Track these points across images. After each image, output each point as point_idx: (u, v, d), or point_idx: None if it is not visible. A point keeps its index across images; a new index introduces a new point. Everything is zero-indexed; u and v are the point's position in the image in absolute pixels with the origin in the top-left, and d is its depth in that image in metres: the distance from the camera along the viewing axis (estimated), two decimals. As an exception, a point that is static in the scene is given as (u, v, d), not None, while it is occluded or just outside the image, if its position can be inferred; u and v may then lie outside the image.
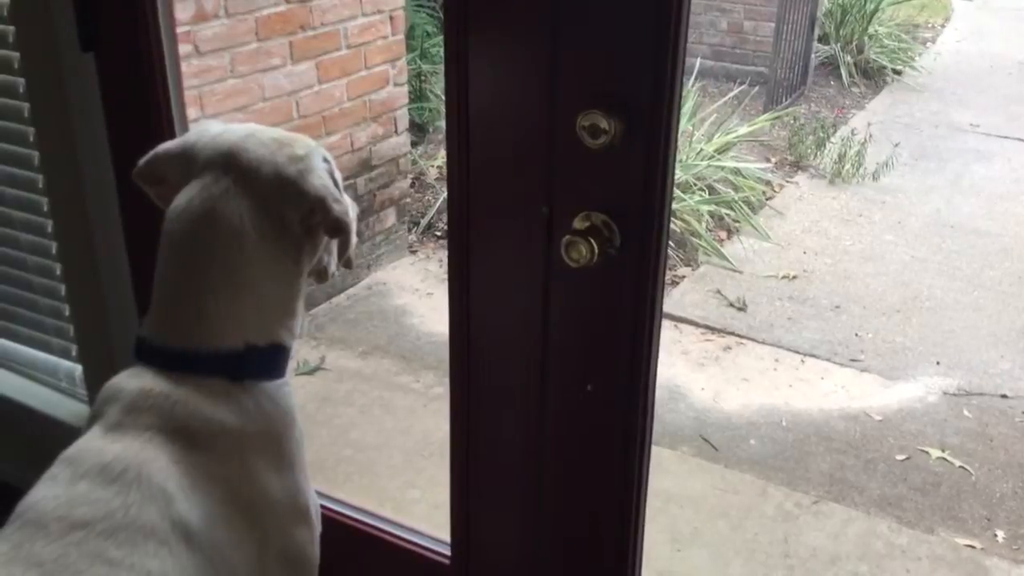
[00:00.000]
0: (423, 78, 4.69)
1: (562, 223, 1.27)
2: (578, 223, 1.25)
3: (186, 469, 1.05)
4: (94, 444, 1.04)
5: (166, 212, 1.15)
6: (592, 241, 1.23)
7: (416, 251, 3.84)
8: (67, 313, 1.95)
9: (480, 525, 1.57)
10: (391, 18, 3.47)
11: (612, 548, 1.44)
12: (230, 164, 1.13)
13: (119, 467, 1.01)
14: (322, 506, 1.71)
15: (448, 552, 1.62)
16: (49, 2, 1.60)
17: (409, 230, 3.89)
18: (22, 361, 2.10)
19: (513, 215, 1.32)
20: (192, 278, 1.11)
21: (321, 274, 1.26)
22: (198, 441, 1.07)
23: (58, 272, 1.92)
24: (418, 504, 1.67)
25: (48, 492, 1.00)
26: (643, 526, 1.43)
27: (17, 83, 1.76)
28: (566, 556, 1.50)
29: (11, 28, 1.71)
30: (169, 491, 1.02)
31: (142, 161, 1.22)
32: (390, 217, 3.72)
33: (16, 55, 1.73)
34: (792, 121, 5.11)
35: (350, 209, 1.19)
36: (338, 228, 1.16)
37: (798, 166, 4.82)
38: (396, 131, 3.67)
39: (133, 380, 1.10)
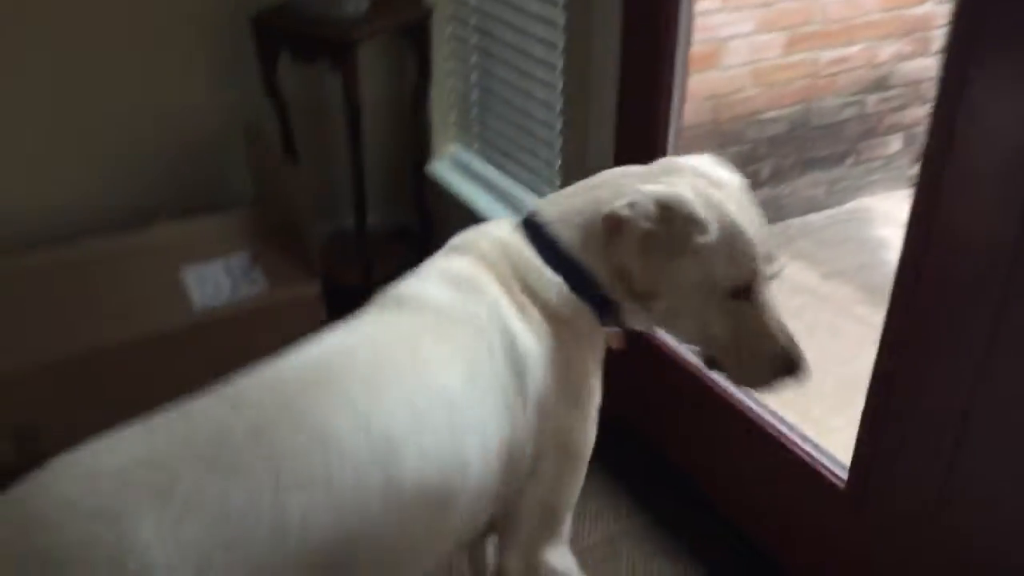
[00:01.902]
0: None
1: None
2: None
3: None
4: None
5: None
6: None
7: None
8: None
9: (882, 464, 1.48)
10: (949, -76, 3.14)
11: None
12: None
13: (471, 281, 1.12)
14: (748, 408, 1.74)
15: (845, 477, 1.56)
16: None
17: (914, 161, 3.60)
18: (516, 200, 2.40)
19: (1010, 132, 1.17)
20: None
21: None
22: None
23: (558, 127, 2.13)
24: (837, 433, 1.63)
25: (427, 287, 1.12)
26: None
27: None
28: (971, 527, 1.36)
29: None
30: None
31: None
32: (895, 143, 3.47)
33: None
34: None
35: None
36: None
37: None
38: (926, 52, 3.37)
39: None
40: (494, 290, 1.10)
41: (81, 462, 0.89)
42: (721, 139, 3.13)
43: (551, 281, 1.13)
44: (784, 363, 1.15)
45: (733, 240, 1.10)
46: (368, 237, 2.48)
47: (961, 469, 1.36)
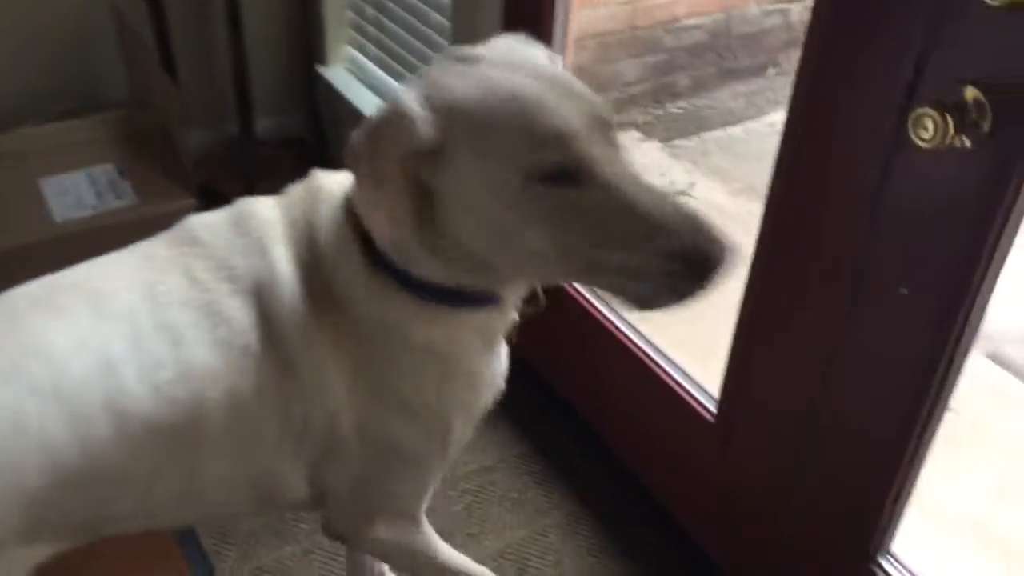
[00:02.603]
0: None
1: (925, 91, 1.05)
2: (944, 95, 1.02)
3: None
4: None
5: None
6: (953, 119, 1.00)
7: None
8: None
9: (751, 400, 1.46)
10: None
11: (882, 464, 1.27)
12: None
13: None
14: (624, 335, 1.69)
15: (714, 410, 1.54)
16: None
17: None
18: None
19: (874, 72, 1.12)
20: None
21: None
22: None
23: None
24: (720, 354, 1.60)
25: (206, 218, 1.06)
26: (925, 451, 1.24)
27: None
28: (831, 459, 1.35)
29: None
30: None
31: None
32: (817, 55, 3.40)
33: None
34: None
35: None
36: None
37: None
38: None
39: None
40: (276, 253, 0.97)
41: None
42: (638, 47, 3.03)
43: (337, 253, 0.96)
44: (681, 249, 0.80)
45: (492, 117, 0.83)
46: (257, 147, 2.36)
47: (826, 405, 1.34)
